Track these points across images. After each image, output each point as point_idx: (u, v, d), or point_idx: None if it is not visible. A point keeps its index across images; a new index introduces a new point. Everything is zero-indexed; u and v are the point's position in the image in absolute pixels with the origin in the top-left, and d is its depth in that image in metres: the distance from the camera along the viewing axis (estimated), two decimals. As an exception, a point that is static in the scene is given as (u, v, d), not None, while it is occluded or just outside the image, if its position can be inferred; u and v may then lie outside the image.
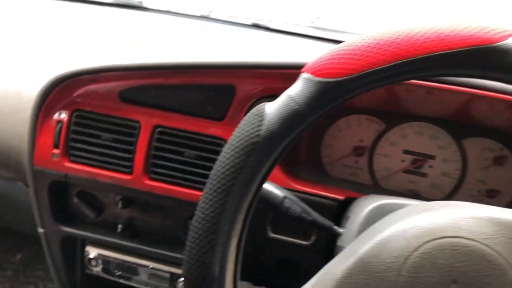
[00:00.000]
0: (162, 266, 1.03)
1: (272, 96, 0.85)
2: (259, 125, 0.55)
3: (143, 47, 1.09)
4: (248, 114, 0.57)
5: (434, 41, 0.51)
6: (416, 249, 0.50)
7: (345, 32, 1.31)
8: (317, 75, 0.54)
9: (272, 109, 0.56)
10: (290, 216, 0.72)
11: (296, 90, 0.56)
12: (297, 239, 0.92)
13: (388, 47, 0.52)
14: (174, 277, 1.03)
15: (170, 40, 1.15)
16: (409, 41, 0.52)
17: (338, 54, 0.54)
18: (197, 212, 0.56)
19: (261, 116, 0.55)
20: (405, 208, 0.59)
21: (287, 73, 0.81)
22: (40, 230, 1.04)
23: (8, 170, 1.06)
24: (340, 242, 0.75)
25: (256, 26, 1.35)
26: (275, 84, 0.84)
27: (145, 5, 1.40)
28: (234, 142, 0.56)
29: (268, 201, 0.71)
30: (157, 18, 1.36)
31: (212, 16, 1.40)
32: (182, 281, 1.03)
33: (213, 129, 0.90)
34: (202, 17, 1.38)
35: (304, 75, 0.56)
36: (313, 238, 0.91)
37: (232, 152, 0.55)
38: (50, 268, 1.09)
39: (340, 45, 0.55)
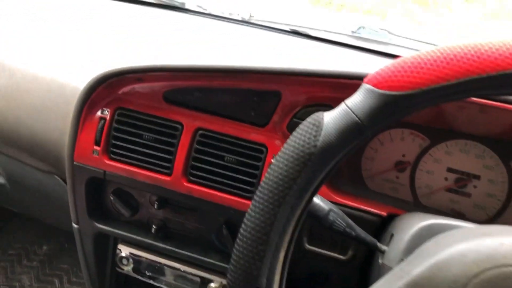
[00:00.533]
0: (193, 270, 1.02)
1: (318, 105, 0.84)
2: (316, 135, 0.53)
3: (184, 48, 1.09)
4: (305, 123, 0.56)
5: (507, 58, 0.48)
6: (476, 275, 0.48)
7: (388, 44, 1.28)
8: (380, 87, 0.52)
9: (330, 119, 0.54)
10: (334, 230, 0.71)
11: (356, 101, 0.54)
12: (334, 252, 0.90)
13: (457, 62, 0.50)
14: (204, 282, 1.02)
15: (208, 43, 1.15)
16: (479, 57, 0.50)
17: (403, 66, 0.52)
18: (246, 221, 0.55)
19: (318, 126, 0.54)
20: (460, 229, 0.56)
21: (335, 83, 0.79)
22: (75, 225, 1.05)
23: (47, 164, 1.07)
24: (383, 260, 0.72)
25: (295, 33, 1.34)
26: (322, 92, 0.82)
27: (187, 6, 1.40)
28: (289, 151, 0.55)
29: (313, 213, 0.69)
30: (196, 20, 1.36)
31: (253, 20, 1.39)
32: (212, 286, 1.02)
33: (255, 135, 0.89)
34: (242, 21, 1.38)
35: (366, 86, 0.54)
36: (350, 253, 0.89)
37: (286, 162, 0.54)
38: (81, 264, 1.09)
39: (405, 57, 0.53)
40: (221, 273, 1.02)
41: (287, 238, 0.55)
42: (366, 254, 0.89)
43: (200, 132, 0.91)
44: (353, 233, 0.72)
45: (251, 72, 0.84)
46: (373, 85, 0.53)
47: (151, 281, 1.07)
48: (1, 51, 1.12)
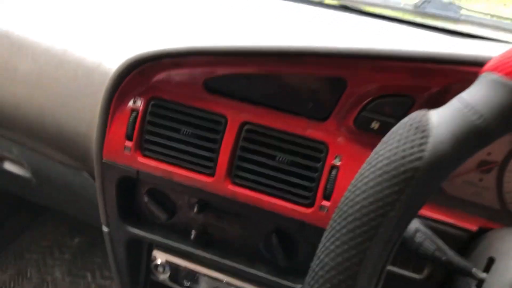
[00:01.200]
0: (237, 282, 0.90)
1: (394, 96, 0.69)
2: (422, 144, 0.39)
3: (225, 29, 0.95)
4: (402, 126, 0.41)
5: None
6: None
7: (459, 20, 1.11)
8: (513, 78, 0.37)
9: (441, 120, 0.40)
10: (420, 253, 0.56)
11: (476, 96, 0.39)
12: (407, 270, 0.76)
13: None
14: (250, 296, 0.90)
15: (249, 23, 1.00)
16: None
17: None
18: (322, 257, 0.42)
19: (424, 130, 0.39)
20: None
21: (420, 69, 0.64)
22: (105, 229, 0.94)
23: (74, 160, 0.96)
24: (482, 291, 0.58)
25: (345, 7, 1.17)
26: (401, 80, 0.67)
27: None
28: (381, 165, 0.40)
29: (396, 234, 0.55)
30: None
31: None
32: (259, 301, 0.89)
33: (312, 130, 0.75)
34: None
35: (490, 76, 0.39)
36: (426, 271, 0.75)
37: (379, 179, 0.40)
38: (112, 270, 0.99)
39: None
40: (268, 286, 0.89)
41: (375, 279, 0.42)
42: (445, 275, 0.75)
43: (247, 126, 0.78)
44: (444, 258, 0.57)
45: (308, 54, 0.70)
46: (503, 74, 0.38)
47: (189, 291, 0.96)
48: (22, 29, 1.00)
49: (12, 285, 1.65)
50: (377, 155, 0.41)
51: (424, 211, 0.72)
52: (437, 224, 0.70)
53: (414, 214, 0.41)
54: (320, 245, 0.42)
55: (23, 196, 1.37)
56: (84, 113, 0.92)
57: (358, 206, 0.40)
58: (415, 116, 0.41)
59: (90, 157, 0.91)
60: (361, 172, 0.42)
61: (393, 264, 0.76)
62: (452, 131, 0.39)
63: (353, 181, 0.42)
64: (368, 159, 0.42)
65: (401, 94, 0.67)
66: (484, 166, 0.80)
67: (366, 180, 0.41)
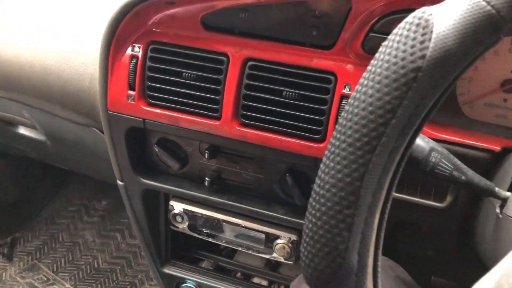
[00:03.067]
0: (256, 225, 0.89)
1: (403, 12, 0.63)
2: (424, 41, 0.35)
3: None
4: (402, 25, 0.37)
5: None
6: None
7: None
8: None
9: (443, 14, 0.35)
10: (437, 175, 0.53)
11: None
12: (427, 199, 0.73)
13: None
14: (270, 238, 0.89)
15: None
16: None
17: None
18: (322, 176, 0.39)
19: (426, 26, 0.35)
20: None
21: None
22: (119, 183, 0.93)
23: (81, 116, 0.94)
24: (506, 210, 0.54)
25: None
26: (409, -6, 0.61)
27: None
28: (380, 70, 0.36)
29: (409, 155, 0.51)
30: None
31: None
32: (280, 243, 0.88)
33: (319, 60, 0.71)
34: None
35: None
36: (448, 199, 0.71)
37: (379, 86, 0.36)
38: (132, 223, 0.99)
39: None
40: (288, 228, 0.87)
41: (382, 195, 0.39)
42: (469, 200, 0.71)
43: (250, 63, 0.74)
44: (463, 178, 0.54)
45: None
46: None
47: (210, 239, 0.95)
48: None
49: (45, 249, 1.70)
50: (376, 60, 0.37)
51: (442, 134, 0.67)
52: (456, 146, 0.66)
53: (420, 122, 0.37)
54: (321, 166, 0.39)
55: (44, 160, 1.38)
56: (86, 68, 0.90)
57: (357, 118, 0.37)
58: (415, 13, 0.37)
59: (96, 112, 0.89)
60: (361, 82, 0.38)
61: (413, 195, 0.73)
62: (457, 23, 0.34)
63: (352, 93, 0.38)
64: (367, 67, 0.38)
65: (410, 8, 0.62)
66: (508, 85, 0.74)
67: (364, 89, 0.37)
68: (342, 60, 0.69)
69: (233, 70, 0.74)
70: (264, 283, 1.03)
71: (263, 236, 0.89)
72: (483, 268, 0.80)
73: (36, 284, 1.58)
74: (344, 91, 0.69)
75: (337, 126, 0.39)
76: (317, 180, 0.39)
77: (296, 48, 0.72)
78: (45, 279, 1.60)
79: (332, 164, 0.38)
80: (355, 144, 0.37)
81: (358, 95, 0.38)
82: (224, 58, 0.75)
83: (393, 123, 0.36)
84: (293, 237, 0.87)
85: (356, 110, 0.37)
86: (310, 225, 0.39)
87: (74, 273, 1.62)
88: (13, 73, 0.97)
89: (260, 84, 0.74)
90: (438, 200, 0.72)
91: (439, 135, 0.67)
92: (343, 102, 0.69)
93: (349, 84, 0.69)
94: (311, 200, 0.40)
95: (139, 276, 1.62)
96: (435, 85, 0.35)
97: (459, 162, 0.54)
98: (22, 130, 1.15)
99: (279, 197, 0.86)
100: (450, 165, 0.53)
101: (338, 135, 0.38)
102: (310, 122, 0.72)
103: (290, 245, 0.87)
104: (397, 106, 0.35)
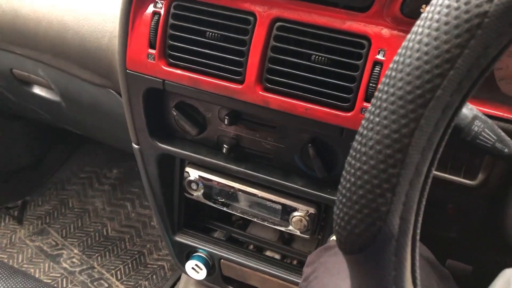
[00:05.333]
0: (273, 197, 0.86)
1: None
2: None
3: None
4: None
5: None
6: None
7: None
8: None
9: None
10: (478, 145, 0.49)
11: None
12: (458, 176, 0.69)
13: None
14: (287, 210, 0.86)
15: None
16: None
17: None
18: (364, 132, 0.35)
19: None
20: None
21: None
22: (135, 146, 0.91)
23: (99, 75, 0.91)
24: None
25: None
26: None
27: None
28: (439, 14, 0.33)
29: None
30: None
31: None
32: (297, 216, 0.85)
33: (352, 23, 0.67)
34: None
35: None
36: (480, 176, 0.68)
37: (437, 33, 0.32)
38: (145, 190, 0.97)
39: None
40: (306, 200, 0.85)
41: (430, 155, 0.35)
42: (502, 179, 0.67)
43: (278, 24, 0.70)
44: (506, 151, 0.50)
45: None
46: None
47: (224, 209, 0.93)
48: None
49: (55, 214, 1.70)
50: (434, 6, 0.33)
51: (481, 107, 0.64)
52: (496, 120, 0.62)
53: (478, 76, 0.34)
54: (363, 122, 0.36)
55: (57, 123, 1.36)
56: (105, 25, 0.87)
57: (409, 68, 0.33)
58: None
59: (114, 72, 0.86)
60: (414, 30, 0.34)
61: (442, 170, 0.69)
62: None
63: (404, 43, 0.35)
64: (422, 14, 0.34)
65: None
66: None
67: (419, 37, 0.33)
68: (378, 23, 0.65)
69: (260, 30, 0.71)
70: (277, 256, 1.01)
71: (279, 207, 0.86)
72: (509, 252, 0.77)
73: (45, 248, 1.58)
74: (377, 57, 0.65)
75: (384, 79, 0.35)
76: (358, 137, 0.36)
77: (329, 9, 0.68)
78: (54, 243, 1.60)
79: (377, 119, 0.35)
80: (406, 97, 0.33)
81: (411, 44, 0.34)
82: (251, 18, 0.71)
83: (451, 74, 0.32)
84: (311, 210, 0.84)
85: (408, 60, 0.34)
86: (348, 185, 0.36)
87: (83, 239, 1.62)
88: (30, 29, 0.95)
89: (287, 46, 0.70)
90: (469, 178, 0.68)
91: (478, 107, 0.63)
92: (376, 68, 0.66)
93: (383, 49, 0.65)
94: (349, 158, 0.36)
95: (148, 246, 1.61)
96: (501, 33, 0.32)
97: (503, 134, 0.50)
98: (37, 90, 1.13)
99: (299, 169, 0.83)
100: (493, 136, 0.49)
101: (386, 88, 0.35)
102: (339, 89, 0.69)
103: (307, 218, 0.84)
104: (457, 55, 0.32)
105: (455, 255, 0.92)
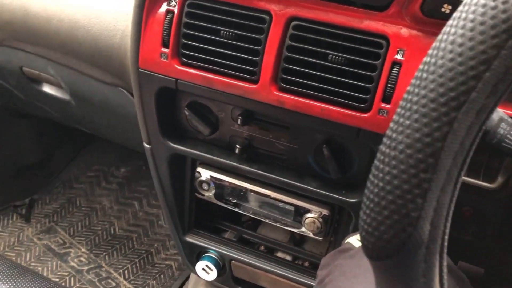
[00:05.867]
0: (286, 198, 0.85)
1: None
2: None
3: None
4: None
5: None
6: None
7: None
8: None
9: None
10: (503, 149, 0.48)
11: None
12: (476, 179, 0.68)
13: None
14: (299, 212, 0.85)
15: None
16: None
17: None
18: (394, 135, 0.34)
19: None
20: None
21: None
22: (146, 145, 0.90)
23: (110, 74, 0.91)
24: None
25: None
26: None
27: None
28: (474, 14, 0.31)
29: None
30: None
31: None
32: (310, 217, 0.84)
33: (370, 22, 0.66)
34: None
35: None
36: (500, 179, 0.67)
37: (471, 33, 0.31)
38: (156, 189, 0.96)
39: None
40: (320, 201, 0.84)
41: (462, 159, 0.34)
42: (522, 182, 0.66)
43: (295, 23, 0.69)
44: (532, 154, 0.49)
45: None
46: None
47: (236, 209, 0.92)
48: None
49: (63, 212, 1.69)
50: (468, 6, 0.32)
51: (507, 110, 0.62)
52: None
53: (514, 79, 0.32)
54: (391, 124, 0.35)
55: (66, 121, 1.36)
56: (117, 23, 0.86)
57: (442, 70, 0.32)
58: None
59: (126, 70, 0.85)
60: (446, 30, 0.33)
61: (461, 173, 0.68)
62: None
63: (435, 43, 0.34)
64: (454, 14, 0.33)
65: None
66: None
67: (452, 37, 0.32)
68: (397, 23, 0.64)
69: (276, 29, 0.70)
70: (288, 258, 1.00)
71: (292, 208, 0.85)
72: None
73: (52, 247, 1.58)
74: (396, 57, 0.64)
75: (414, 80, 0.34)
76: (387, 141, 0.35)
77: (346, 8, 0.67)
78: (61, 242, 1.60)
79: (407, 122, 0.33)
80: (439, 100, 0.32)
81: (443, 45, 0.33)
82: (266, 17, 0.70)
83: (487, 76, 0.31)
84: (325, 212, 0.83)
85: (441, 61, 0.33)
86: (376, 190, 0.35)
87: (90, 238, 1.61)
88: (40, 27, 0.94)
89: (303, 46, 0.69)
90: (487, 181, 0.67)
91: (505, 111, 0.62)
92: (394, 69, 0.64)
93: (402, 49, 0.64)
94: (377, 162, 0.35)
95: (156, 245, 1.60)
96: (540, 34, 0.30)
97: (528, 136, 0.49)
98: (47, 88, 1.12)
99: (313, 170, 0.82)
100: (519, 139, 0.48)
101: (417, 90, 0.34)
102: (356, 90, 0.68)
103: (320, 219, 0.83)
104: (494, 57, 0.31)
105: (467, 257, 0.90)
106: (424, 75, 0.33)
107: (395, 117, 0.35)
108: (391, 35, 0.64)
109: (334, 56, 0.67)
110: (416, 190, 0.33)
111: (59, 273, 1.50)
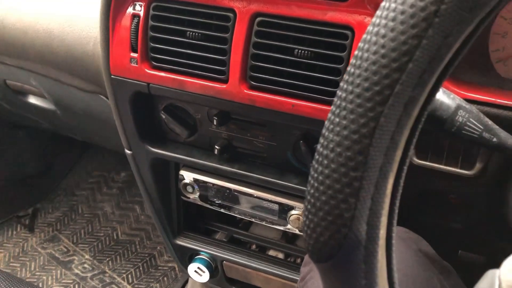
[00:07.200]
0: (269, 196, 0.84)
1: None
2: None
3: None
4: None
5: None
6: None
7: None
8: None
9: None
10: (464, 137, 0.46)
11: None
12: (454, 167, 0.66)
13: None
14: (284, 209, 0.84)
15: None
16: None
17: None
18: (326, 134, 0.33)
19: None
20: None
21: None
22: (127, 152, 0.90)
23: (87, 82, 0.90)
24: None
25: None
26: None
27: None
28: (395, 3, 0.30)
29: (431, 113, 0.45)
30: None
31: None
32: (294, 214, 0.83)
33: (334, 13, 0.64)
34: None
35: None
36: (478, 166, 0.65)
37: (393, 23, 0.30)
38: (142, 194, 0.96)
39: None
40: (302, 198, 0.82)
41: (397, 156, 0.33)
42: (500, 167, 0.64)
43: (259, 19, 0.68)
44: (495, 140, 0.47)
45: None
46: None
47: (222, 210, 0.91)
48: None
49: (66, 220, 1.71)
50: None
51: (472, 93, 0.60)
52: (487, 107, 0.59)
53: (443, 69, 0.31)
54: (326, 123, 0.34)
55: (56, 130, 1.36)
56: (89, 31, 0.86)
57: (366, 63, 0.31)
58: None
59: (102, 77, 0.85)
60: (373, 21, 0.32)
61: (438, 162, 0.66)
62: None
63: (363, 36, 0.32)
64: (381, 4, 0.32)
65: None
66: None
67: (376, 29, 0.31)
68: (360, 12, 0.62)
69: (240, 27, 0.68)
70: (280, 255, 0.99)
71: (276, 206, 0.84)
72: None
73: (56, 255, 1.59)
74: (355, 52, 0.62)
75: (344, 75, 0.33)
76: (321, 139, 0.34)
77: (309, 0, 0.65)
78: (65, 250, 1.61)
79: (337, 120, 0.32)
80: (364, 95, 0.31)
81: (369, 37, 0.32)
82: (230, 14, 0.69)
83: (410, 68, 0.30)
84: (308, 208, 0.82)
85: (366, 55, 0.31)
86: (312, 191, 0.34)
87: (94, 245, 1.62)
88: (17, 39, 0.94)
89: (269, 42, 0.68)
90: (466, 168, 0.65)
91: (468, 94, 0.60)
92: (361, 59, 0.63)
93: (367, 39, 0.62)
94: (313, 162, 0.34)
95: (158, 248, 1.61)
96: (461, 20, 0.29)
97: (490, 122, 0.47)
98: (32, 100, 1.13)
99: (293, 166, 0.80)
100: (479, 126, 0.46)
101: (345, 86, 0.32)
102: (325, 83, 0.66)
103: (305, 216, 0.82)
104: (415, 47, 0.29)
105: (467, 246, 0.89)
106: (352, 69, 0.32)
107: (328, 115, 0.34)
108: (355, 25, 0.63)
109: (300, 51, 0.66)
110: (347, 189, 0.32)
111: (63, 281, 1.51)
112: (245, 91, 0.71)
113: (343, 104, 0.32)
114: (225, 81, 0.72)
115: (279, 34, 0.67)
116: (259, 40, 0.68)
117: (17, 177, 1.71)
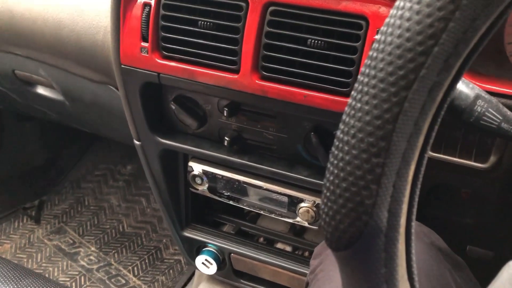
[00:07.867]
0: (279, 188, 0.84)
1: None
2: None
3: None
4: None
5: None
6: None
7: None
8: None
9: None
10: (482, 127, 0.46)
11: None
12: (468, 159, 0.65)
13: None
14: (293, 201, 0.83)
15: None
16: None
17: None
18: (347, 119, 0.32)
19: None
20: None
21: None
22: (136, 142, 0.89)
23: (96, 72, 0.90)
24: None
25: None
26: None
27: None
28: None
29: (450, 103, 0.44)
30: None
31: None
32: (304, 207, 0.83)
33: (347, 3, 0.63)
34: None
35: None
36: (492, 159, 0.64)
37: (418, 6, 0.29)
38: (150, 186, 0.95)
39: None
40: (312, 190, 0.82)
41: (420, 142, 0.32)
42: (516, 161, 0.63)
43: (272, 8, 0.67)
44: (513, 131, 0.46)
45: None
46: None
47: (231, 202, 0.91)
48: None
49: (72, 213, 1.71)
50: None
51: (489, 85, 0.60)
52: (505, 99, 0.58)
53: (468, 53, 0.30)
54: (346, 109, 0.33)
55: (64, 121, 1.36)
56: (99, 20, 0.85)
57: (390, 47, 0.30)
58: None
59: (111, 67, 0.84)
60: (396, 4, 0.31)
61: (451, 154, 0.66)
62: None
63: (386, 19, 0.31)
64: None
65: None
66: None
67: (401, 12, 0.30)
68: (375, 2, 0.62)
69: (253, 16, 0.68)
70: (288, 248, 0.98)
71: (286, 199, 0.84)
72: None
73: (62, 247, 1.59)
74: (376, 37, 0.61)
75: (366, 60, 0.32)
76: (341, 125, 0.33)
77: (323, -11, 0.64)
78: (71, 242, 1.61)
79: (359, 105, 0.32)
80: (388, 79, 0.30)
81: (393, 20, 0.31)
82: (243, 4, 0.68)
83: (435, 51, 0.29)
84: (318, 201, 0.81)
85: (389, 38, 0.30)
86: (332, 177, 0.33)
87: (100, 237, 1.62)
88: (26, 29, 0.93)
89: (282, 31, 0.67)
90: (480, 161, 0.65)
91: (486, 86, 0.59)
92: (375, 50, 0.62)
93: (382, 29, 0.61)
94: (333, 148, 0.34)
95: (164, 240, 1.61)
96: (489, 3, 0.28)
97: (509, 113, 0.46)
98: (41, 90, 1.12)
99: (303, 158, 0.80)
100: (498, 116, 0.45)
101: (367, 70, 0.32)
102: (338, 74, 0.65)
103: (314, 209, 0.82)
104: (441, 30, 0.28)
105: (476, 241, 0.88)
106: (375, 54, 0.31)
107: (349, 100, 0.33)
108: (370, 15, 0.62)
109: (313, 40, 0.65)
110: (369, 176, 0.31)
111: (69, 272, 1.51)
112: (256, 81, 0.70)
113: (365, 89, 0.31)
114: (237, 72, 0.71)
115: (292, 24, 0.66)
116: (271, 29, 0.67)
117: (24, 169, 1.72)
